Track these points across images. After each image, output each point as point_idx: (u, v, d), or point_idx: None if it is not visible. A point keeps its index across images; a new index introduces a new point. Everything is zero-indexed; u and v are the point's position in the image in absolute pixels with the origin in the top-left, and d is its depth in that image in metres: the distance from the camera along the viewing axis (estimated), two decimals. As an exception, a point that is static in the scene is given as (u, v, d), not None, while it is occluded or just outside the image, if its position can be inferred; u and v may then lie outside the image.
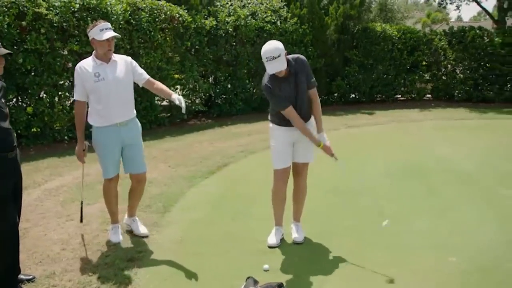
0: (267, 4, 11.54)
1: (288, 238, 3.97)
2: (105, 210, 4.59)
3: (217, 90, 11.02)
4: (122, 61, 3.74)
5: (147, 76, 3.84)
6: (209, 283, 3.27)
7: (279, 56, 3.38)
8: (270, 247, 3.82)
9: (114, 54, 3.71)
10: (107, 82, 3.59)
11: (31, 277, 3.24)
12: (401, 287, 3.18)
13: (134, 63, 3.83)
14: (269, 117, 3.83)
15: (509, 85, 13.22)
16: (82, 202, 4.07)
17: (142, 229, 4.07)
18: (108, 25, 3.62)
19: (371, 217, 4.49)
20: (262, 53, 3.43)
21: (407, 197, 5.11)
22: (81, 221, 4.07)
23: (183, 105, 3.56)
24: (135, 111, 3.88)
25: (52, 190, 5.27)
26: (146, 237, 3.99)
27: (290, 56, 3.56)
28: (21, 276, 3.17)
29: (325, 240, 3.96)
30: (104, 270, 3.39)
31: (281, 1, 11.92)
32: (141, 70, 3.85)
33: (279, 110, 3.58)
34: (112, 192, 3.96)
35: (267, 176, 5.69)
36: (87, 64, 3.64)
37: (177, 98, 3.64)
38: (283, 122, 3.66)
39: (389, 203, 4.90)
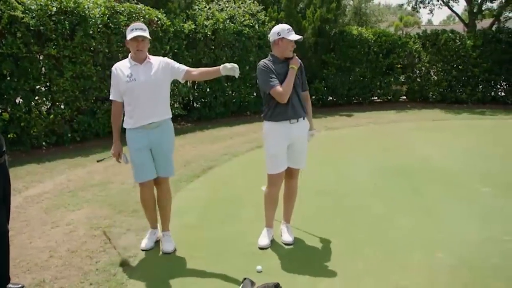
0: (245, 8, 11.59)
1: (277, 239, 3.98)
2: (90, 216, 4.56)
3: (196, 94, 10.99)
4: (157, 62, 3.63)
5: (185, 68, 3.69)
6: (204, 286, 3.25)
7: None
8: (261, 248, 3.82)
9: (150, 56, 3.63)
10: (138, 83, 3.51)
11: (20, 286, 3.14)
12: (393, 283, 3.24)
13: (170, 60, 3.70)
14: (262, 116, 3.79)
15: (480, 87, 13.59)
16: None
17: (166, 246, 3.78)
18: (140, 25, 3.53)
19: (358, 216, 4.57)
20: (279, 29, 3.73)
21: (392, 196, 5.21)
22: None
23: (236, 66, 3.52)
24: (169, 113, 3.73)
25: (34, 197, 5.13)
26: (168, 253, 3.73)
27: None
28: (9, 286, 3.07)
29: (315, 240, 3.99)
30: (96, 276, 3.32)
31: (259, 5, 11.98)
32: (178, 65, 3.70)
33: (267, 89, 3.61)
34: (146, 196, 3.78)
35: (252, 179, 5.76)
36: (122, 65, 3.59)
37: (227, 65, 3.51)
38: (280, 115, 3.66)
39: (376, 202, 4.98)
